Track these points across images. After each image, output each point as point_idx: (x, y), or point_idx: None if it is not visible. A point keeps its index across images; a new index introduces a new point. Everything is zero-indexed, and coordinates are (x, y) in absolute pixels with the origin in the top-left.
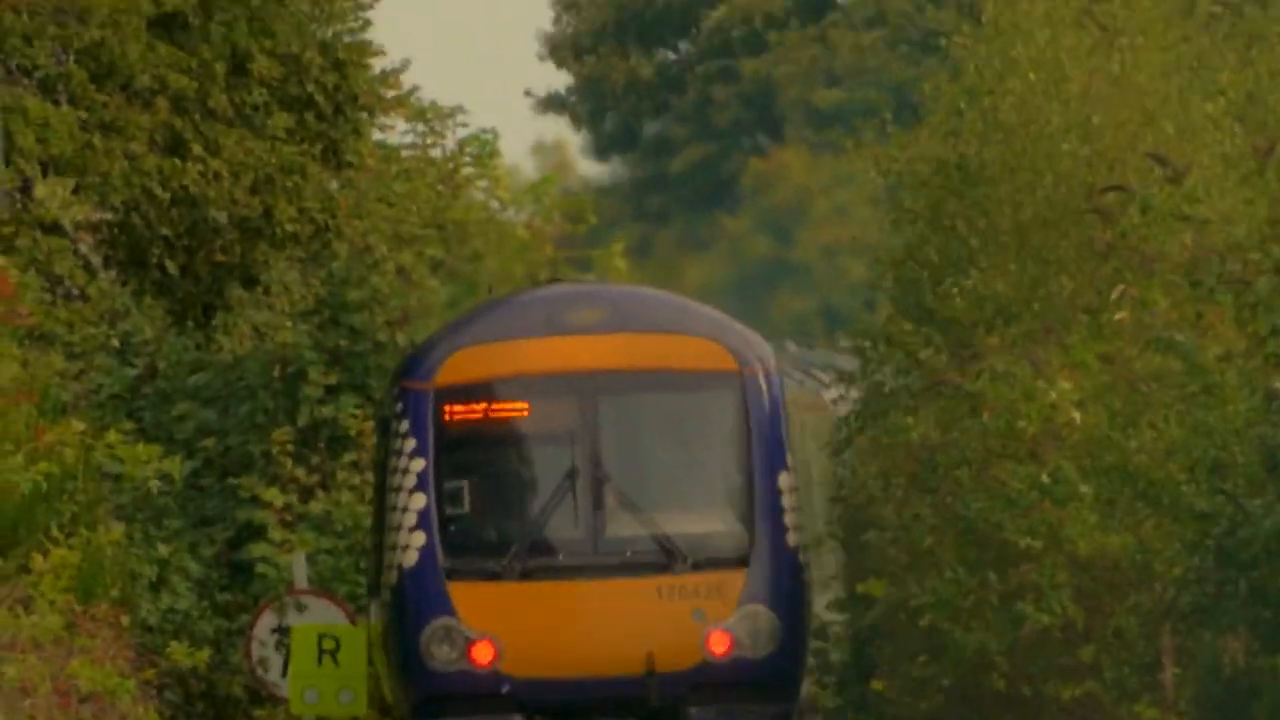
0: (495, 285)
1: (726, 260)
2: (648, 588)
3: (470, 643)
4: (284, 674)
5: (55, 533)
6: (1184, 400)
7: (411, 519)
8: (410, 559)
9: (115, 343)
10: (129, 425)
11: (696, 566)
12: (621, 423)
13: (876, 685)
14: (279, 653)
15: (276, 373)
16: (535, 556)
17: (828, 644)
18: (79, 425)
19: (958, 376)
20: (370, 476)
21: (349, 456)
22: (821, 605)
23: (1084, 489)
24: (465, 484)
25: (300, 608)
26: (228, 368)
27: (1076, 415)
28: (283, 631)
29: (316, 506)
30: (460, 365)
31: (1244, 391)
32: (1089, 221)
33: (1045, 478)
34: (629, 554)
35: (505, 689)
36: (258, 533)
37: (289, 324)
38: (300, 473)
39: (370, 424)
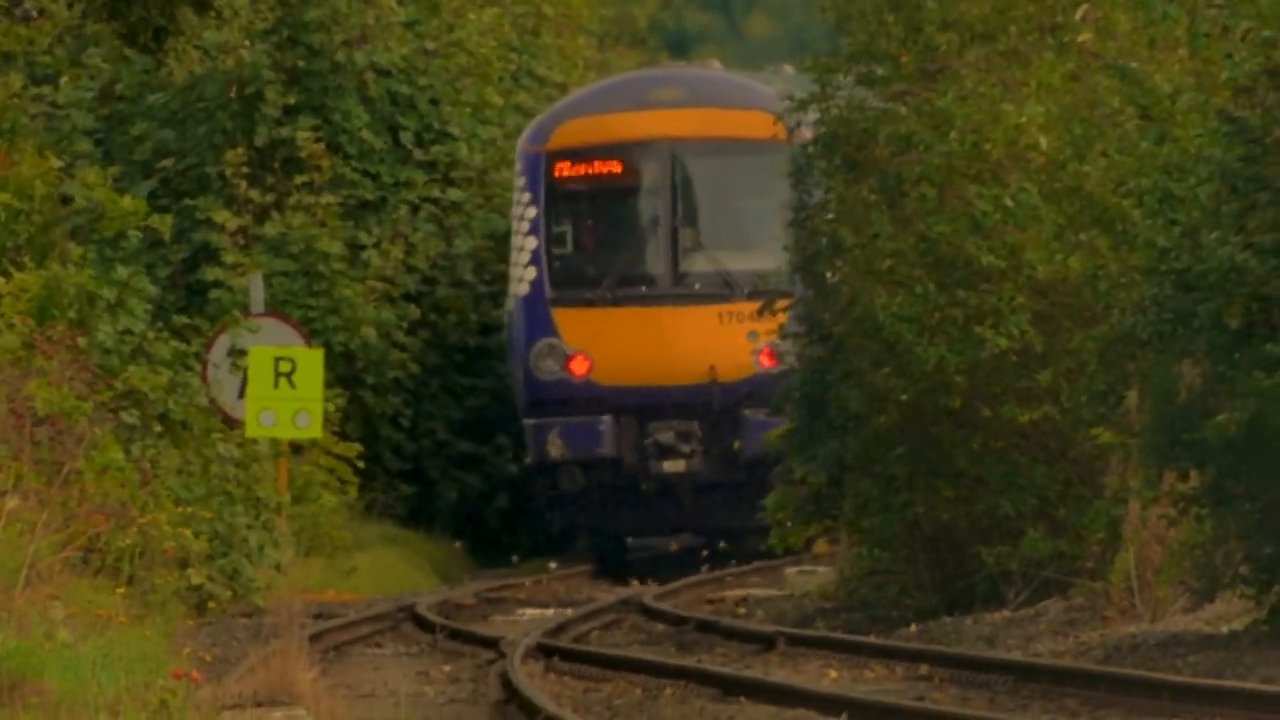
0: (456, 6)
1: None
2: (711, 313)
3: (569, 357)
4: (240, 396)
5: (14, 255)
6: (1136, 130)
7: (525, 257)
8: (523, 289)
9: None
10: (87, 145)
11: (751, 296)
12: (695, 180)
13: (837, 397)
14: (234, 375)
15: (234, 93)
16: (623, 287)
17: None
18: (55, 162)
19: (925, 91)
20: (324, 198)
21: (304, 178)
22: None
23: (1045, 213)
24: (569, 229)
25: (254, 330)
26: (186, 88)
27: (1042, 139)
28: (238, 354)
29: (271, 228)
30: (568, 132)
31: (1195, 117)
32: None
33: (1008, 200)
34: (697, 285)
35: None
36: (213, 255)
37: (247, 44)
38: (255, 194)
39: (324, 145)
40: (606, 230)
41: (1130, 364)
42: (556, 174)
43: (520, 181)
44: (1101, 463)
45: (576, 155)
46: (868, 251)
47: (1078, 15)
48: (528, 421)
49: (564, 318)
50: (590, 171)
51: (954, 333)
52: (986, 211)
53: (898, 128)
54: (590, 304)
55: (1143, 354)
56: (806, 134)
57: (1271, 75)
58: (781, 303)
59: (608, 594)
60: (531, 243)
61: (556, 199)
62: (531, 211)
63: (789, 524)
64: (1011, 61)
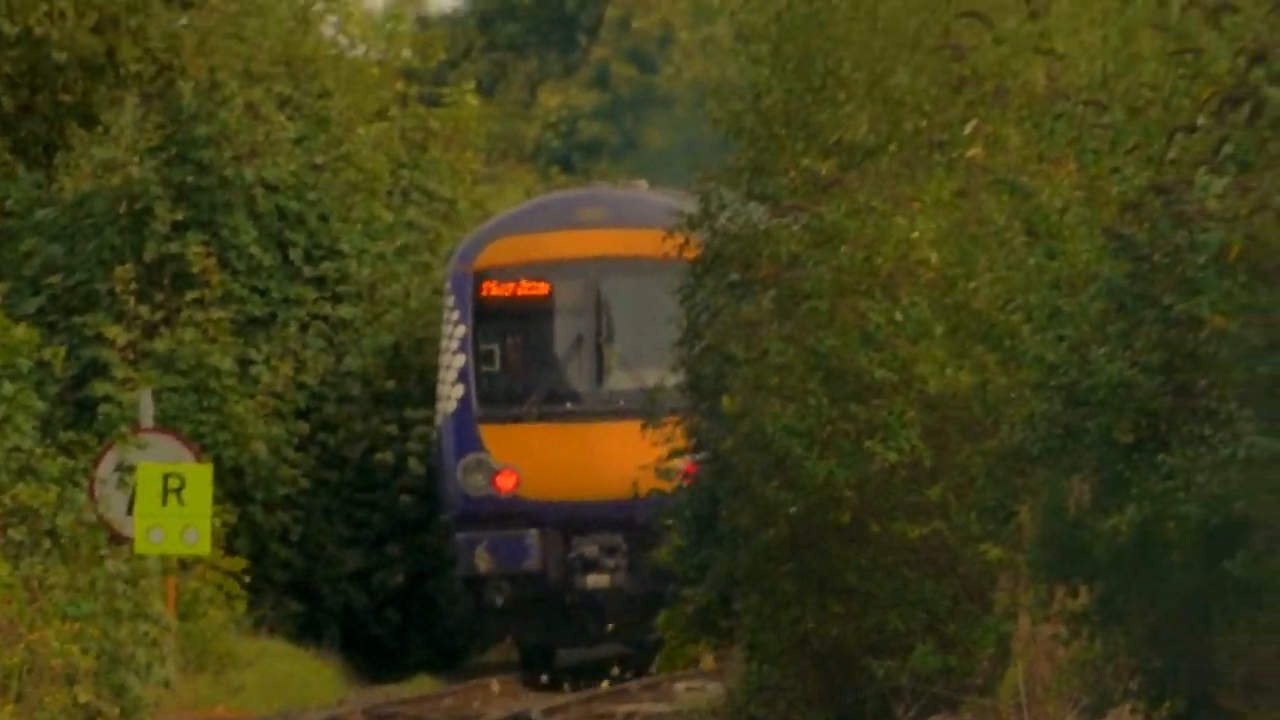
0: (345, 121)
1: (592, 87)
2: (634, 429)
3: (496, 472)
4: (129, 513)
5: None
6: (1024, 245)
7: (453, 374)
8: (451, 406)
9: None
10: None
11: (674, 413)
12: (618, 299)
13: (725, 513)
14: (122, 491)
15: (123, 209)
16: (549, 404)
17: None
18: None
19: (812, 207)
20: (214, 314)
21: (194, 294)
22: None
23: (937, 328)
24: (496, 347)
25: (143, 445)
26: (75, 204)
27: (932, 254)
28: (127, 470)
29: (161, 344)
30: (495, 252)
31: (1083, 231)
32: (942, 55)
33: (899, 315)
34: (621, 402)
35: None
36: (102, 371)
37: (136, 160)
38: (144, 310)
39: (214, 261)
40: (533, 348)
41: (1019, 479)
42: (484, 293)
43: (449, 300)
44: (990, 579)
45: (503, 274)
46: (758, 367)
47: (967, 130)
48: (458, 536)
49: (491, 434)
50: (517, 290)
51: (845, 446)
52: (880, 324)
53: (778, 248)
54: (517, 420)
55: (1032, 469)
56: (695, 251)
57: (1159, 191)
58: (671, 419)
59: (497, 709)
60: (459, 360)
61: (484, 317)
62: (460, 330)
63: (677, 643)
64: (900, 177)
